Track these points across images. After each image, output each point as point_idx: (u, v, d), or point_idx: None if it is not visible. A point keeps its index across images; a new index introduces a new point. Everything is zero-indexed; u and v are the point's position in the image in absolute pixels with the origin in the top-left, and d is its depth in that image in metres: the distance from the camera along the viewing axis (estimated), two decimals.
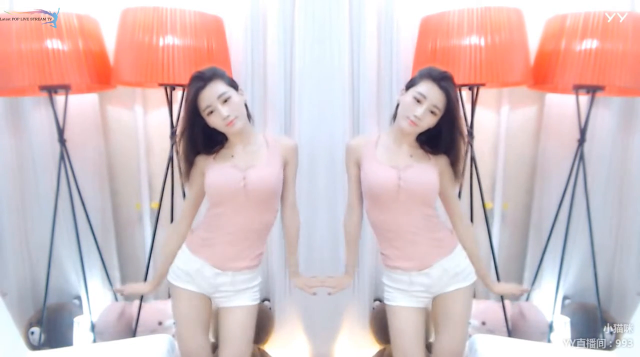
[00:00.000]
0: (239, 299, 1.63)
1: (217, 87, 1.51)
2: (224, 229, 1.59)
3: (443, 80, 1.49)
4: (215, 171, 1.58)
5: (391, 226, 1.59)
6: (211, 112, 1.50)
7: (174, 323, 1.69)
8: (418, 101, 1.50)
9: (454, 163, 1.59)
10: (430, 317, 1.76)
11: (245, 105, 1.58)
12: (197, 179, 1.62)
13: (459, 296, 1.62)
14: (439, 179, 1.58)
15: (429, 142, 1.59)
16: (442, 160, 1.60)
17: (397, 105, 1.58)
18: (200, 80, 1.51)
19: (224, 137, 1.59)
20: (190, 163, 1.60)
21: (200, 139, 1.56)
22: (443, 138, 1.55)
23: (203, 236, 1.62)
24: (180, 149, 1.59)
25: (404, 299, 1.62)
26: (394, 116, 1.62)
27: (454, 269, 1.61)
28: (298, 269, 1.74)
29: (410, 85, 1.55)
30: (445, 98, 1.49)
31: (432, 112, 1.49)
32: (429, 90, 1.49)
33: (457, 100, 1.54)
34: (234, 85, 1.56)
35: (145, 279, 2.20)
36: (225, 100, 1.50)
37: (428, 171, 1.57)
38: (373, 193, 1.59)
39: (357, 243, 1.74)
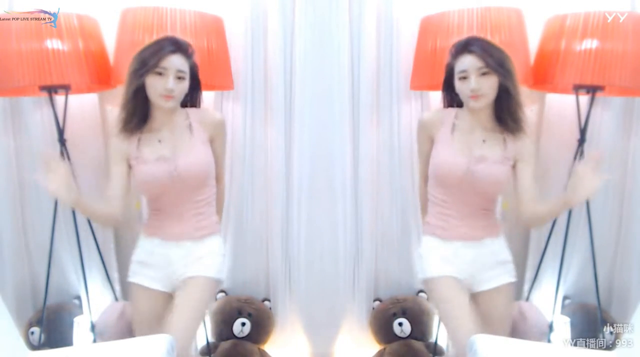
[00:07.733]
0: (192, 270, 1.61)
1: (183, 62, 1.52)
2: (166, 214, 1.62)
3: (468, 45, 1.52)
4: (143, 166, 1.57)
5: (451, 206, 1.61)
6: (160, 74, 1.48)
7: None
8: (464, 78, 1.51)
9: (513, 110, 1.56)
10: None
11: (195, 93, 1.63)
12: (119, 163, 1.59)
13: (501, 293, 1.63)
14: (510, 171, 1.58)
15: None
16: (520, 143, 1.59)
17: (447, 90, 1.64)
18: (176, 45, 1.52)
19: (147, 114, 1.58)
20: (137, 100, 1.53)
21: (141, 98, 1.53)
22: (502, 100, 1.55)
23: (152, 224, 1.66)
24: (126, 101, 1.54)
25: (450, 269, 1.60)
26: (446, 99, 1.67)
27: (500, 255, 1.63)
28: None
29: (450, 68, 1.58)
30: (479, 57, 1.49)
31: (483, 74, 1.49)
32: (464, 62, 1.51)
33: (494, 52, 1.51)
34: (193, 73, 1.58)
35: None
36: (179, 78, 1.51)
37: (500, 166, 1.57)
38: (439, 177, 1.61)
39: None
